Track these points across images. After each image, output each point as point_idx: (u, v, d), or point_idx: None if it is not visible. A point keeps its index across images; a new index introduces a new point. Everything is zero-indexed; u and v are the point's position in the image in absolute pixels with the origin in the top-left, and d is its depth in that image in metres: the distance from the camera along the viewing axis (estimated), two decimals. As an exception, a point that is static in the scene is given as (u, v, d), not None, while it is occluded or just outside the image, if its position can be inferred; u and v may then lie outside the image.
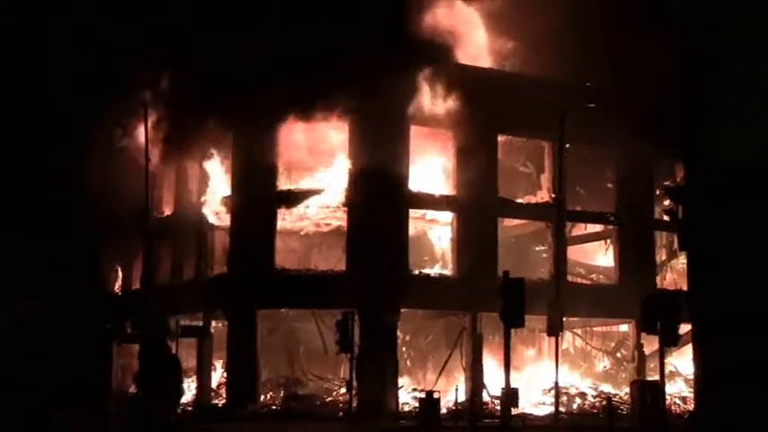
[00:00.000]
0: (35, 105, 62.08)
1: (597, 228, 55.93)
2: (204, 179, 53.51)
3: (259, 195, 49.34)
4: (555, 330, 41.71)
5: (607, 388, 50.04)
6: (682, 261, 38.33)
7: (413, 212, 50.27)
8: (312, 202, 49.90)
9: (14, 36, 66.81)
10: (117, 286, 61.97)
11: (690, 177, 28.55)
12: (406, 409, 45.46)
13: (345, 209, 49.22)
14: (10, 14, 67.08)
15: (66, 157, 56.02)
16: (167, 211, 56.11)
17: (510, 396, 31.41)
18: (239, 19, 45.65)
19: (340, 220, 49.93)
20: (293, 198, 50.09)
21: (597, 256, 57.93)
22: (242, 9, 45.68)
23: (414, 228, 50.83)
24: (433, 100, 47.94)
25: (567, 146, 47.95)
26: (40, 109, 61.00)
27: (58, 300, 56.92)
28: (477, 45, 51.31)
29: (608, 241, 56.11)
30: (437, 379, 48.05)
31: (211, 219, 52.56)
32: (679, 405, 40.77)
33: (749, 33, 25.94)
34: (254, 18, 45.55)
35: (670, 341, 34.43)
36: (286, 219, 50.81)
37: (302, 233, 52.24)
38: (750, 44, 25.95)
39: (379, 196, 48.08)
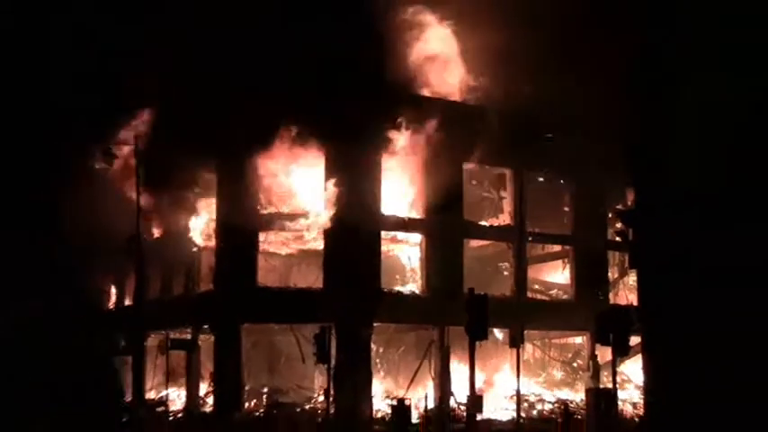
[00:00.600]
0: (37, 111, 61.58)
1: (555, 248, 56.33)
2: (191, 205, 53.73)
3: (242, 219, 49.57)
4: (516, 342, 41.98)
5: (564, 395, 50.34)
6: (632, 278, 38.72)
7: (384, 234, 50.59)
8: (291, 225, 50.24)
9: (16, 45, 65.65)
10: (111, 303, 61.95)
11: (639, 202, 28.98)
12: (380, 415, 45.69)
13: (322, 231, 49.52)
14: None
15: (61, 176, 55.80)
16: (156, 234, 56.20)
17: (475, 402, 31.71)
18: (227, 59, 45.91)
19: (317, 241, 50.13)
20: (274, 222, 50.42)
21: (555, 274, 58.23)
22: (227, 50, 45.92)
23: (386, 248, 51.16)
24: (403, 131, 48.32)
25: (527, 173, 48.27)
26: (42, 114, 60.58)
27: (58, 300, 56.76)
28: (445, 81, 51.69)
29: (565, 260, 56.45)
30: (408, 387, 48.21)
31: (198, 240, 52.85)
32: (630, 410, 41.03)
33: (692, 70, 26.44)
34: (241, 59, 45.77)
35: (622, 352, 34.84)
36: (267, 240, 51.17)
37: (282, 254, 52.48)
38: (692, 81, 26.45)
39: (354, 219, 48.30)
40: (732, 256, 23.84)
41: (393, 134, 48.30)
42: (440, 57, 51.12)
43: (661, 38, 27.36)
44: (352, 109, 46.14)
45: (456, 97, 51.47)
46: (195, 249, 53.42)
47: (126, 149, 51.22)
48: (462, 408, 40.94)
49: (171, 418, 49.99)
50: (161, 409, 50.47)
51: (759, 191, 22.74)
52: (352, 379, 45.90)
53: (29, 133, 59.17)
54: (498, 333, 46.19)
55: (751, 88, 23.44)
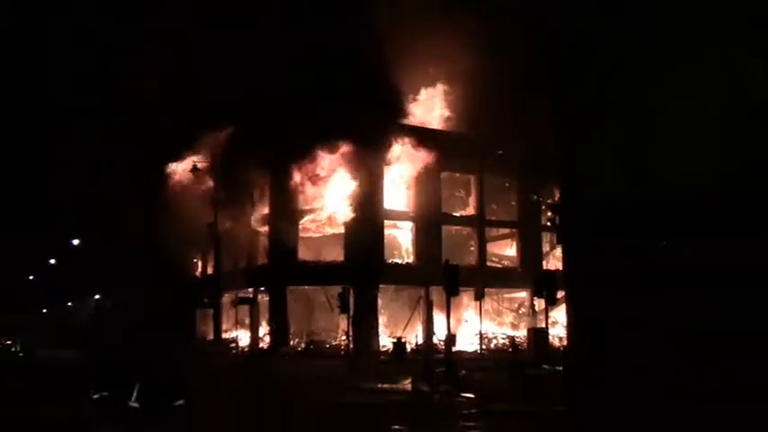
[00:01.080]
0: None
1: (506, 231, 56.54)
2: (252, 201, 54.05)
3: (287, 212, 49.91)
4: (479, 297, 42.26)
5: (512, 333, 50.70)
6: (558, 251, 39.15)
7: (387, 222, 50.97)
8: (322, 215, 50.55)
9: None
10: (197, 272, 62.27)
11: (564, 198, 28.98)
12: (384, 349, 45.99)
13: (343, 220, 49.88)
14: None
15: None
16: (228, 224, 56.48)
17: (450, 339, 32.04)
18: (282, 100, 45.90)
19: (340, 227, 50.48)
20: (309, 213, 50.77)
21: (506, 249, 58.36)
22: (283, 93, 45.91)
23: (388, 232, 51.47)
24: (400, 149, 48.64)
25: (486, 178, 48.40)
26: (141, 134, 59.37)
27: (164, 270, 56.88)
28: (430, 113, 51.97)
29: (513, 239, 56.71)
30: (404, 329, 48.53)
31: (256, 227, 53.15)
32: (558, 342, 41.24)
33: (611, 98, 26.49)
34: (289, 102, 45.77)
35: (552, 302, 35.13)
36: (304, 227, 51.43)
37: (315, 236, 52.68)
38: (610, 108, 26.54)
39: (364, 212, 48.72)
40: (615, 241, 23.95)
41: (393, 151, 48.73)
42: (427, 100, 51.46)
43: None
44: (364, 135, 46.38)
45: (437, 125, 51.79)
46: (255, 234, 53.77)
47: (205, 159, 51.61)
48: (442, 343, 41.15)
49: (240, 351, 50.34)
50: (233, 345, 50.83)
51: (639, 199, 22.87)
52: (365, 324, 46.23)
53: (131, 151, 58.56)
54: (467, 291, 46.33)
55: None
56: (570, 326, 28.34)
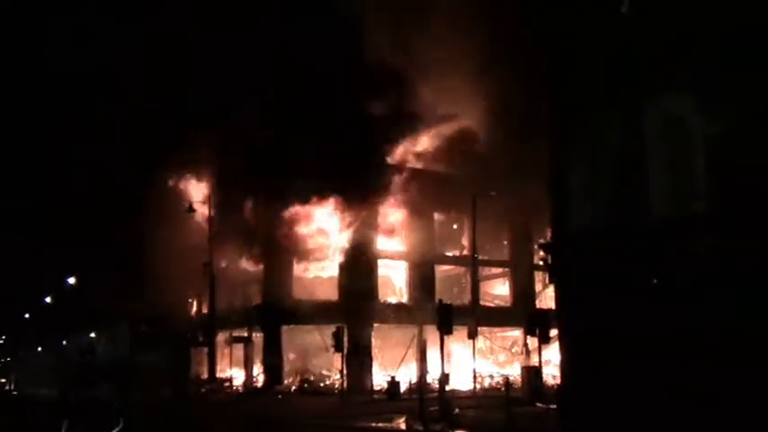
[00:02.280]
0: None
1: (499, 270, 56.47)
2: (247, 242, 53.90)
3: (281, 252, 49.82)
4: (472, 335, 42.07)
5: (506, 371, 50.29)
6: (551, 290, 38.95)
7: (380, 262, 50.86)
8: (316, 257, 50.43)
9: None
10: (192, 310, 61.96)
11: (554, 235, 28.97)
12: (378, 387, 45.64)
13: (337, 261, 49.79)
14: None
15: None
16: (223, 264, 56.27)
17: (444, 377, 31.82)
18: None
19: (334, 267, 50.38)
20: (304, 255, 50.64)
21: (499, 287, 58.29)
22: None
23: (381, 271, 51.35)
24: (393, 191, 48.66)
25: (478, 220, 48.23)
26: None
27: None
28: (420, 155, 52.06)
29: (505, 278, 56.65)
30: (398, 368, 48.27)
31: (251, 267, 52.97)
32: (551, 380, 40.97)
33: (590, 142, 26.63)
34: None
35: (544, 340, 34.98)
36: (300, 267, 51.32)
37: (310, 276, 52.53)
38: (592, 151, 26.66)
39: (358, 252, 48.66)
40: (617, 274, 23.92)
41: (387, 192, 48.75)
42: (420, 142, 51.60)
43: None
44: (357, 182, 46.41)
45: (430, 167, 51.90)
46: (249, 273, 53.57)
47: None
48: (436, 381, 40.91)
49: (234, 390, 50.00)
50: (227, 384, 50.48)
51: (636, 225, 22.88)
52: (358, 362, 45.99)
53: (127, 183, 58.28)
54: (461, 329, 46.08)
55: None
56: (563, 365, 28.23)
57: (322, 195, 47.16)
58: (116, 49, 55.31)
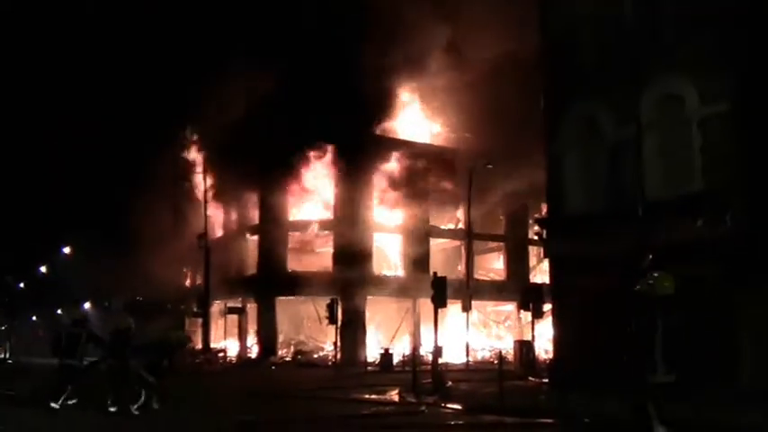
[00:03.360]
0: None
1: (494, 244, 56.52)
2: (242, 213, 54.06)
3: (277, 223, 49.96)
4: (466, 309, 42.31)
5: (499, 344, 50.47)
6: (545, 265, 38.93)
7: (375, 235, 50.97)
8: (311, 227, 50.56)
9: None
10: (187, 281, 62.15)
11: (550, 213, 29.22)
12: (371, 360, 45.83)
13: (332, 232, 49.90)
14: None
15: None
16: (218, 234, 56.42)
17: (437, 350, 31.96)
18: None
19: (329, 239, 50.52)
20: (299, 225, 50.77)
21: (493, 262, 58.44)
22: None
23: (376, 244, 51.47)
24: (389, 162, 48.75)
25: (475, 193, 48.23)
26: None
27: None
28: (419, 128, 52.08)
29: (500, 253, 56.78)
30: (391, 340, 48.43)
31: (246, 238, 53.14)
32: (543, 354, 41.16)
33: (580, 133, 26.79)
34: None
35: (538, 315, 35.24)
36: (295, 238, 51.47)
37: (305, 247, 52.70)
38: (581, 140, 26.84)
39: (354, 225, 48.75)
40: (603, 251, 24.10)
41: (382, 166, 48.82)
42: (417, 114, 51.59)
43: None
44: (354, 149, 46.45)
45: (427, 140, 51.92)
46: (245, 243, 53.77)
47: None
48: (429, 354, 41.09)
49: (228, 361, 50.28)
50: (221, 354, 50.70)
51: (617, 212, 23.06)
52: (352, 335, 46.20)
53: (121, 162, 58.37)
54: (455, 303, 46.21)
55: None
56: (555, 338, 28.49)
57: (319, 154, 47.14)
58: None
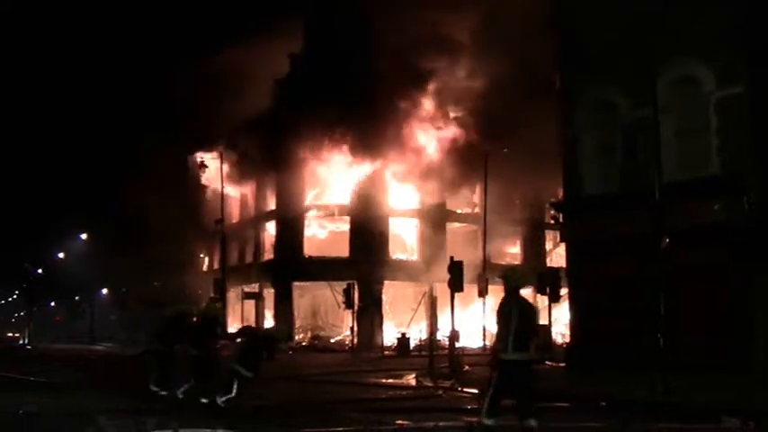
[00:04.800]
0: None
1: (510, 228, 56.33)
2: (259, 198, 54.24)
3: (294, 209, 50.10)
4: (482, 293, 42.33)
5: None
6: (562, 249, 38.81)
7: (392, 219, 51.04)
8: (327, 213, 50.70)
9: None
10: (204, 266, 62.46)
11: (566, 196, 29.21)
12: (388, 344, 45.96)
13: (349, 218, 50.03)
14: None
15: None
16: (234, 220, 56.65)
17: (454, 335, 32.04)
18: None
19: (346, 224, 50.63)
20: (315, 209, 50.93)
21: (510, 246, 58.26)
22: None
23: (392, 228, 51.53)
24: (406, 148, 48.73)
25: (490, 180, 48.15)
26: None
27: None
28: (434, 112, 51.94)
29: (516, 237, 56.64)
30: (408, 325, 48.56)
31: (263, 224, 53.36)
32: (560, 339, 41.13)
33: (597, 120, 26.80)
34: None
35: (555, 299, 35.23)
36: (311, 224, 51.61)
37: (322, 232, 52.84)
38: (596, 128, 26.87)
39: (370, 208, 48.85)
40: (619, 234, 24.15)
41: (397, 150, 48.80)
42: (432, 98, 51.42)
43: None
44: (370, 133, 46.37)
45: (443, 125, 51.79)
46: (262, 229, 53.99)
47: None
48: (445, 339, 41.14)
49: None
50: (238, 340, 50.80)
51: (634, 195, 23.08)
52: (369, 319, 46.37)
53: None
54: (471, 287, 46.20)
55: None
56: (572, 322, 28.57)
57: (335, 145, 47.14)
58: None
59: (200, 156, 51.17)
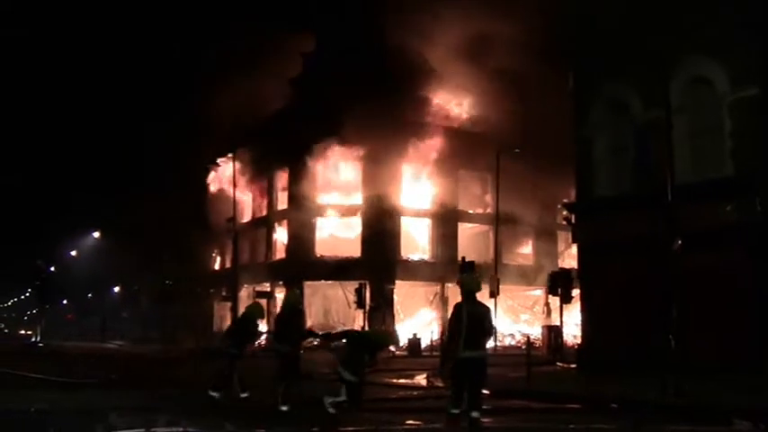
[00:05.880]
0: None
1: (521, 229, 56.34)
2: (271, 197, 54.36)
3: (305, 208, 50.16)
4: (494, 294, 42.32)
5: (527, 330, 50.48)
6: (573, 249, 38.75)
7: (404, 219, 51.09)
8: (338, 213, 50.80)
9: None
10: (216, 265, 62.62)
11: (578, 197, 29.16)
12: (399, 344, 45.97)
13: (361, 218, 50.09)
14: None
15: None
16: (246, 219, 56.79)
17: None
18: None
19: (358, 223, 50.70)
20: (326, 211, 51.00)
21: (522, 247, 58.27)
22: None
23: (404, 228, 51.57)
24: (418, 148, 48.80)
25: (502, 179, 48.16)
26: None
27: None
28: (446, 111, 51.95)
29: (528, 238, 56.64)
30: (419, 325, 48.62)
31: (275, 223, 53.47)
32: (572, 340, 41.11)
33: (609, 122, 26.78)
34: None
35: (566, 300, 35.14)
36: (323, 225, 51.71)
37: (333, 232, 52.91)
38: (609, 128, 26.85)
39: (382, 209, 48.92)
40: (632, 235, 24.13)
41: (410, 149, 48.88)
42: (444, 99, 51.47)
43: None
44: (383, 133, 46.36)
45: (455, 124, 51.81)
46: (273, 228, 54.10)
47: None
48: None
49: (256, 345, 50.59)
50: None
51: (646, 196, 23.05)
52: (380, 320, 46.35)
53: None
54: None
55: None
56: (584, 324, 28.52)
57: (348, 139, 47.12)
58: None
59: (215, 157, 51.47)
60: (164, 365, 32.57)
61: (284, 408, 16.21)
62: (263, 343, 40.84)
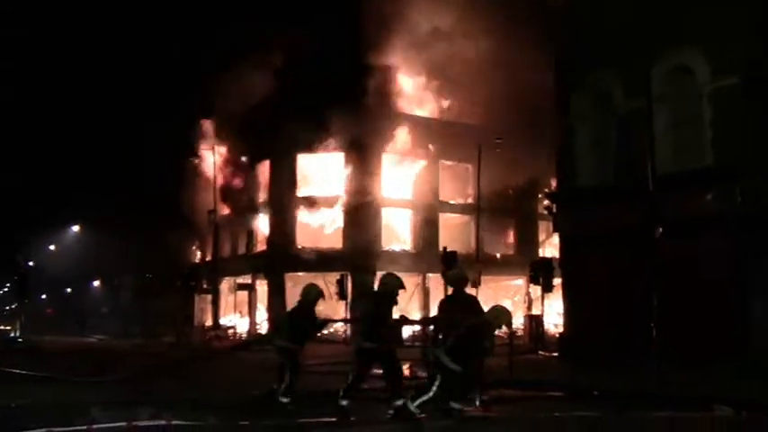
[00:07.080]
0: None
1: (502, 219, 56.39)
2: (251, 189, 54.19)
3: (286, 200, 50.07)
4: (475, 284, 42.31)
5: (509, 320, 50.53)
6: (555, 239, 38.77)
7: (385, 210, 51.06)
8: (320, 203, 50.70)
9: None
10: (197, 258, 62.41)
11: (559, 186, 29.28)
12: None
13: (342, 209, 50.03)
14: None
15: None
16: (226, 211, 56.61)
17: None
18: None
19: (339, 215, 50.63)
20: (308, 202, 50.87)
21: (503, 236, 58.31)
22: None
23: (385, 219, 51.56)
24: (399, 137, 48.80)
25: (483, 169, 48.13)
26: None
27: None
28: (427, 103, 51.93)
29: (509, 228, 56.76)
30: (400, 316, 48.51)
31: (256, 215, 53.35)
32: (553, 329, 41.22)
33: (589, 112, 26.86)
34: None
35: (548, 289, 35.27)
36: (304, 217, 51.61)
37: (314, 223, 52.84)
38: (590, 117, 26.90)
39: (363, 199, 48.85)
40: (613, 225, 24.21)
41: (392, 140, 48.88)
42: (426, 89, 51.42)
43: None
44: (364, 124, 46.30)
45: (436, 115, 51.82)
46: (254, 221, 53.94)
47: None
48: (438, 329, 41.21)
49: (237, 336, 50.58)
50: (231, 330, 50.99)
51: (628, 185, 23.17)
52: (361, 310, 46.31)
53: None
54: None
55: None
56: (565, 313, 28.67)
57: (328, 129, 47.05)
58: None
59: (195, 147, 51.25)
60: (144, 359, 32.40)
61: (285, 400, 15.52)
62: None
